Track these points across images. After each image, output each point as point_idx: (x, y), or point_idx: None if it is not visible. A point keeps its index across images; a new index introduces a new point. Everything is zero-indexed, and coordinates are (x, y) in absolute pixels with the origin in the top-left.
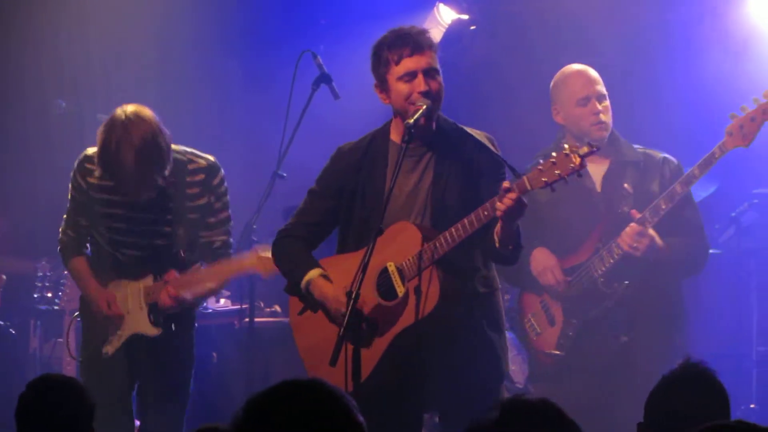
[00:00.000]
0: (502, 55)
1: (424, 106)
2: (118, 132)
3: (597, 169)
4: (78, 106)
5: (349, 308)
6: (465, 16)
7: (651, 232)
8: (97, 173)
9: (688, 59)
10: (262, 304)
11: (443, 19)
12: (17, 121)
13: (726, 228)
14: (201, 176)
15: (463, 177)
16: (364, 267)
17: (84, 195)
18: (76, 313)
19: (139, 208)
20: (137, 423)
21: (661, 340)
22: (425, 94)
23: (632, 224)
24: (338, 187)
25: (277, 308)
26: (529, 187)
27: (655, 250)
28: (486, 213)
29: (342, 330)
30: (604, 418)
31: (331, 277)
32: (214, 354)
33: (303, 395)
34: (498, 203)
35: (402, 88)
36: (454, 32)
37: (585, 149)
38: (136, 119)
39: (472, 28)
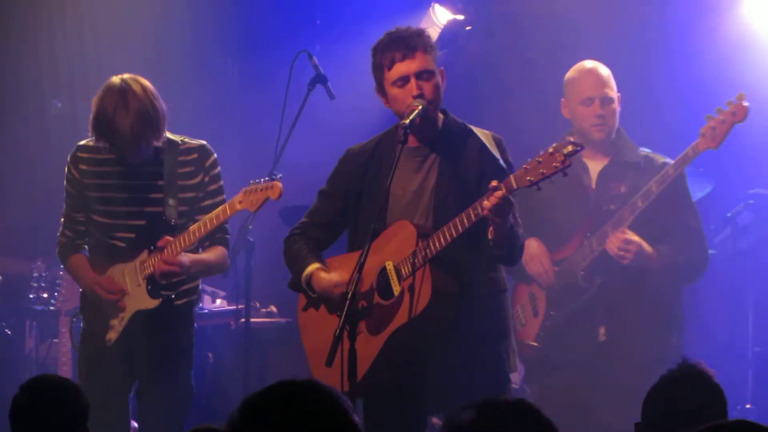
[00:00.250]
0: (497, 55)
1: (420, 107)
2: (114, 97)
3: (596, 167)
4: (74, 107)
5: (345, 309)
6: (460, 17)
7: (637, 239)
8: (85, 142)
9: (684, 59)
10: (258, 305)
11: (439, 19)
12: (14, 121)
13: (722, 228)
14: (194, 155)
15: (466, 178)
16: (360, 267)
17: (77, 186)
18: (75, 314)
19: (132, 175)
20: (135, 425)
21: (654, 339)
22: (419, 97)
23: (619, 230)
24: (346, 189)
25: (273, 308)
26: (515, 186)
27: (643, 258)
28: (475, 212)
29: (338, 330)
30: (590, 416)
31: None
32: (210, 354)
33: (299, 395)
34: (485, 202)
35: (396, 93)
36: (449, 33)
37: (569, 148)
38: (133, 83)
39: (468, 28)
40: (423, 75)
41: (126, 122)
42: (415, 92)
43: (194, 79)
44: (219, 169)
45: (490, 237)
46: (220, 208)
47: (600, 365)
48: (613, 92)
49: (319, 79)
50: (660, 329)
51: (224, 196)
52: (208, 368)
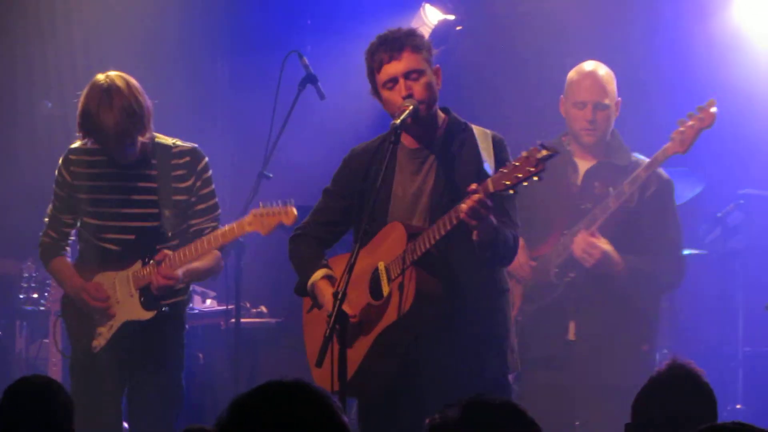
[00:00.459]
0: (488, 55)
1: (411, 107)
2: (98, 93)
3: (585, 166)
4: (64, 107)
5: (335, 310)
6: (451, 17)
7: (604, 246)
8: (77, 144)
9: (673, 60)
10: (249, 305)
11: (429, 19)
12: (3, 121)
13: (712, 229)
14: (186, 158)
15: (463, 181)
16: (349, 269)
17: (67, 188)
18: (58, 314)
19: (123, 177)
20: (126, 426)
21: (621, 343)
22: (409, 98)
23: (589, 232)
24: (350, 188)
25: (263, 309)
26: (491, 189)
27: (607, 264)
28: (456, 215)
29: (327, 331)
30: (562, 414)
31: (338, 274)
32: (201, 354)
33: (288, 396)
34: (461, 205)
35: (387, 94)
36: (440, 33)
37: (543, 153)
38: (117, 79)
39: (459, 28)
40: (411, 75)
41: (110, 119)
42: (404, 93)
43: (185, 79)
44: (210, 172)
45: (474, 239)
46: (226, 227)
47: (568, 363)
48: (609, 99)
49: (310, 79)
50: (628, 334)
51: (216, 200)
52: (198, 368)
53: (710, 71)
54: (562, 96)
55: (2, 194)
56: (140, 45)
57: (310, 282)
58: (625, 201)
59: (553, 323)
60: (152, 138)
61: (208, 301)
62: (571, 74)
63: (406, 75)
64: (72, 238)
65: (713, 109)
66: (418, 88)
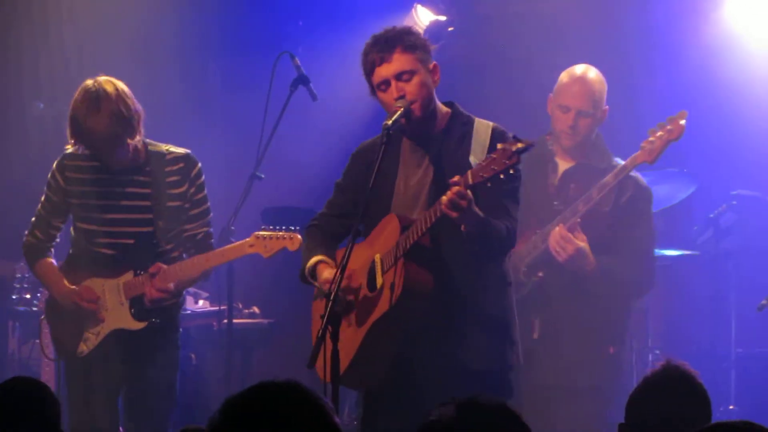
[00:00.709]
0: (479, 56)
1: (402, 109)
2: (87, 99)
3: (563, 167)
4: (56, 108)
5: (328, 309)
6: (443, 18)
7: (579, 243)
8: (71, 150)
9: (665, 60)
10: (241, 306)
11: (421, 20)
12: None
13: (704, 229)
14: (180, 165)
15: (458, 174)
16: (342, 267)
17: (60, 193)
18: (42, 316)
19: (116, 183)
20: (121, 430)
21: (585, 344)
22: (401, 99)
23: (563, 227)
24: (357, 183)
25: (256, 309)
26: (470, 182)
27: (579, 262)
28: (439, 208)
29: (320, 330)
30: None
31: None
32: (193, 355)
33: (279, 397)
34: (443, 197)
35: (381, 96)
36: (432, 33)
37: (519, 145)
38: (105, 84)
39: (450, 29)
40: (402, 76)
41: (99, 124)
42: (395, 95)
43: (177, 80)
44: (203, 178)
45: (462, 231)
46: (227, 247)
47: (532, 362)
48: (594, 107)
49: (301, 80)
50: (595, 335)
51: (208, 204)
52: (191, 369)
53: (702, 72)
54: (550, 94)
55: None
56: (132, 46)
57: (308, 265)
58: (598, 205)
59: (519, 321)
60: (145, 145)
61: (201, 302)
62: (563, 76)
63: (398, 76)
64: (57, 240)
65: (682, 122)
66: (409, 89)
